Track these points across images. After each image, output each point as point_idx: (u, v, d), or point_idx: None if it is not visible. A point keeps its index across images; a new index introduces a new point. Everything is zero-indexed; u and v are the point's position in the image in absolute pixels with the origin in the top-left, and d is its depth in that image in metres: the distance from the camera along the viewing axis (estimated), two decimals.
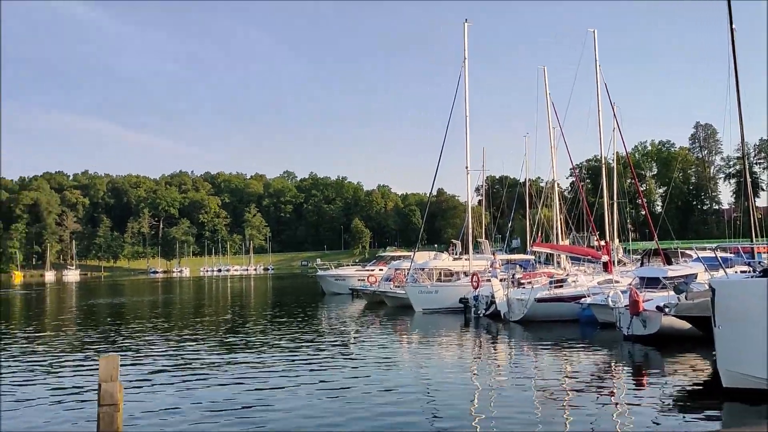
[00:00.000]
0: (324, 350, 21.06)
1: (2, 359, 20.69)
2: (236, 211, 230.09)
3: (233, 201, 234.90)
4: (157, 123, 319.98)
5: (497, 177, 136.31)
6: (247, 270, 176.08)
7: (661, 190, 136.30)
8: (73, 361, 20.14)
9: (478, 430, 11.38)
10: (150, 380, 16.31)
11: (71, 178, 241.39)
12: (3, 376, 17.56)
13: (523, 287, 30.94)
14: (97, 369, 7.72)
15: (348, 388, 14.87)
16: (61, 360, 20.39)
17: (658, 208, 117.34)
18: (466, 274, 36.38)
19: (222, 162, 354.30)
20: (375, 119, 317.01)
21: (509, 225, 68.67)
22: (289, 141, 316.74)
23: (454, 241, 56.53)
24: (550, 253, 42.91)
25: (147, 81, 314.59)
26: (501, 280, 31.56)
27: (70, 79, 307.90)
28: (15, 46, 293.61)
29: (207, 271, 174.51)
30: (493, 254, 42.35)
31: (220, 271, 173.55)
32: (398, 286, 39.36)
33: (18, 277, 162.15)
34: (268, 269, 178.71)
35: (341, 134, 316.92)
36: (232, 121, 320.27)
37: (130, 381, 15.71)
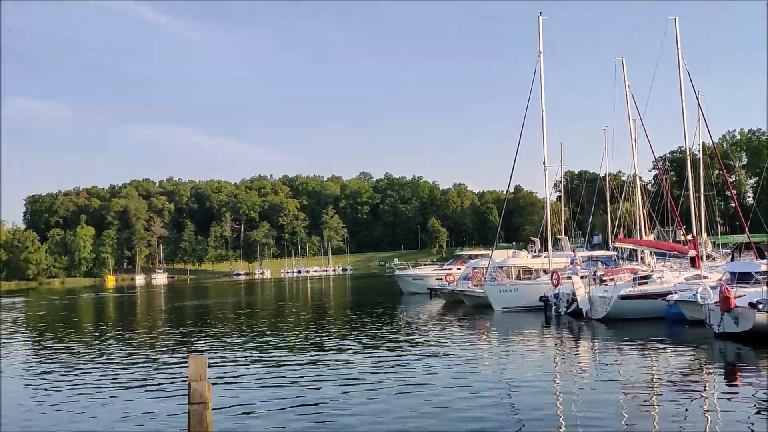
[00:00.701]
0: (403, 350, 21.11)
1: (100, 359, 21.74)
2: (314, 213, 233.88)
3: (311, 203, 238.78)
4: (237, 129, 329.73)
5: (576, 172, 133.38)
6: (326, 271, 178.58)
7: (752, 181, 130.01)
8: (164, 360, 20.94)
9: (562, 430, 11.11)
10: (236, 379, 16.78)
11: (157, 185, 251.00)
12: (101, 374, 18.46)
13: (606, 284, 30.11)
14: (187, 368, 8.06)
15: (427, 388, 14.77)
16: (152, 359, 21.24)
17: (749, 200, 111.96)
18: (545, 271, 35.75)
19: (299, 165, 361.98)
20: (449, 118, 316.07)
21: (589, 221, 67.05)
22: (364, 142, 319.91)
23: (532, 238, 55.70)
24: (634, 249, 41.61)
25: (225, 88, 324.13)
26: (582, 278, 30.85)
27: (154, 90, 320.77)
28: (103, 59, 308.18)
29: (287, 272, 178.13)
30: (574, 251, 41.45)
31: (299, 272, 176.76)
32: (477, 285, 39.05)
33: (111, 280, 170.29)
34: (347, 270, 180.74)
35: (416, 134, 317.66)
36: (309, 125, 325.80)
37: (218, 380, 16.19)
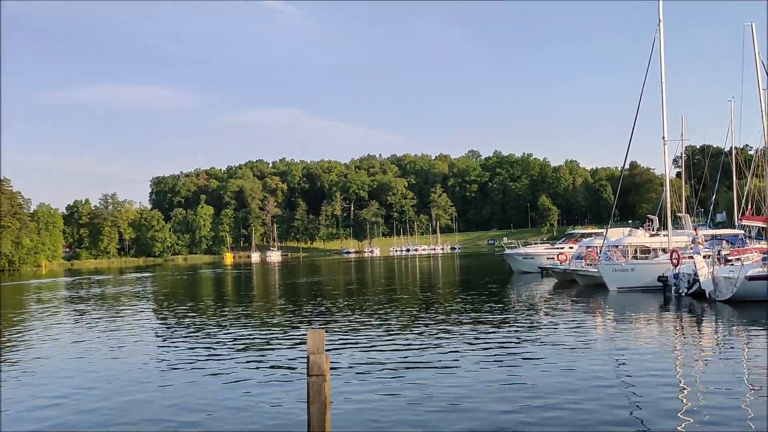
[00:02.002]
0: (514, 330, 20.84)
1: (221, 331, 22.89)
2: (422, 191, 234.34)
3: (419, 182, 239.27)
4: (346, 110, 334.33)
5: (698, 147, 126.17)
6: (435, 249, 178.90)
7: None
8: (281, 333, 21.76)
9: (684, 426, 10.28)
10: (348, 353, 17.19)
11: (271, 165, 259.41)
12: (220, 346, 19.43)
13: (731, 264, 28.47)
14: (304, 342, 8.34)
15: (536, 373, 14.40)
16: (270, 332, 22.12)
17: None
18: (664, 251, 34.24)
19: (407, 144, 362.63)
20: (561, 93, 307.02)
21: (712, 198, 63.35)
22: (472, 120, 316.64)
23: (650, 216, 53.32)
24: (763, 227, 39.07)
25: (333, 70, 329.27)
26: (705, 257, 29.30)
27: (266, 74, 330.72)
28: (221, 48, 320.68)
29: (396, 250, 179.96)
30: (695, 229, 39.40)
31: (408, 250, 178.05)
32: (590, 264, 37.99)
33: (229, 258, 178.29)
34: (455, 248, 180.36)
35: (526, 111, 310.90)
36: (416, 104, 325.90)
37: (332, 352, 16.64)
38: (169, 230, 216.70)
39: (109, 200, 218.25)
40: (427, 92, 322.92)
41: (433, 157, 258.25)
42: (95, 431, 10.86)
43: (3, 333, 25.50)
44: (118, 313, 32.33)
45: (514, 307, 27.59)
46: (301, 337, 20.17)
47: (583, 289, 35.46)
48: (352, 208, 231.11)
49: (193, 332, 23.12)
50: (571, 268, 40.51)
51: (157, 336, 22.94)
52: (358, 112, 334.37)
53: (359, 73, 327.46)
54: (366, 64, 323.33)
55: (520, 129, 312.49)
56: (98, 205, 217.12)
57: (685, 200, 54.03)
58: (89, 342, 21.65)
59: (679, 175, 68.24)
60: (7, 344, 22.19)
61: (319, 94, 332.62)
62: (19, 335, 24.74)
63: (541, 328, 21.19)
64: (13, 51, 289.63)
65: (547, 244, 61.97)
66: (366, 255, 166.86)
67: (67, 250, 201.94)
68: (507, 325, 21.97)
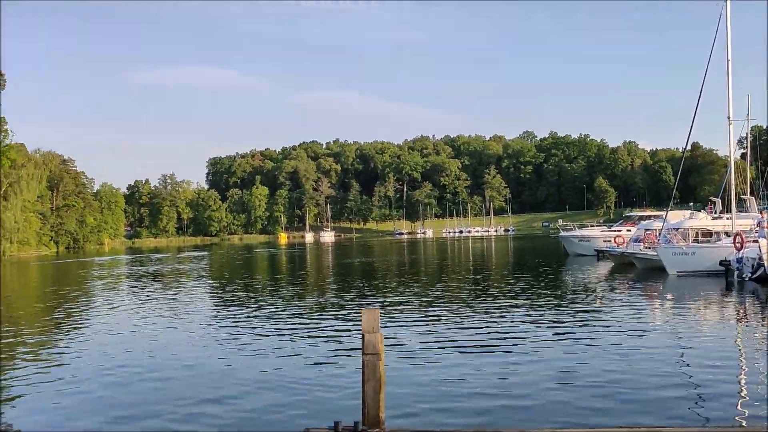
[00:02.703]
0: (569, 314, 20.52)
1: (275, 309, 23.25)
2: (476, 173, 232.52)
3: (473, 163, 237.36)
4: (399, 91, 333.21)
5: (764, 127, 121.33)
6: (488, 231, 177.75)
7: None
8: (336, 312, 21.97)
9: (746, 417, 9.87)
10: (402, 332, 17.23)
11: (324, 146, 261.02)
12: (274, 323, 19.74)
13: None
14: (358, 320, 8.38)
15: (595, 356, 14.17)
16: (324, 311, 22.36)
17: None
18: (727, 234, 33.19)
19: (461, 125, 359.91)
20: (618, 72, 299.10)
21: None
22: (528, 101, 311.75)
23: (712, 198, 51.67)
24: None
25: (386, 50, 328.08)
26: None
27: (323, 56, 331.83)
28: (276, 28, 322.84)
29: (448, 232, 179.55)
30: (761, 212, 38.02)
31: (461, 232, 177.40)
32: (649, 247, 37.10)
33: (283, 237, 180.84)
34: (509, 230, 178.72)
35: (582, 91, 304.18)
36: (471, 85, 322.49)
37: (386, 330, 16.68)
38: (226, 210, 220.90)
39: (168, 180, 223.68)
40: (481, 72, 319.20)
41: (487, 138, 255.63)
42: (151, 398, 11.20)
43: (71, 307, 26.47)
44: (176, 289, 33.17)
45: (569, 291, 27.19)
46: (355, 316, 20.33)
47: (641, 272, 34.71)
48: (405, 189, 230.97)
49: (249, 310, 23.53)
50: (628, 251, 39.70)
51: (214, 313, 23.45)
52: (412, 93, 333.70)
53: (414, 53, 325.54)
54: (421, 44, 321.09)
55: (577, 110, 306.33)
56: (158, 185, 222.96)
57: (750, 182, 52.15)
58: (149, 317, 22.28)
59: (743, 156, 65.72)
60: (76, 316, 23.03)
61: (374, 75, 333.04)
62: (85, 309, 25.65)
63: (597, 312, 20.82)
64: (73, 33, 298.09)
65: (604, 227, 60.84)
66: (418, 236, 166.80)
67: (129, 228, 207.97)
68: (562, 308, 21.67)
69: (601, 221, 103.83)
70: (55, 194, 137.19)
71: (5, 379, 13.53)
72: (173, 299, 28.43)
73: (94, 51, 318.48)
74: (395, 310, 22.02)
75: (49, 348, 17.19)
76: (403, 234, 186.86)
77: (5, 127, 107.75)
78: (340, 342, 16.36)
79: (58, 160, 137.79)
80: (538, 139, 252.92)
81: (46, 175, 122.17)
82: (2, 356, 16.08)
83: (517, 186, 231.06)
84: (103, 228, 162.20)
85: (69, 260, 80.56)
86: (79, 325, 21.24)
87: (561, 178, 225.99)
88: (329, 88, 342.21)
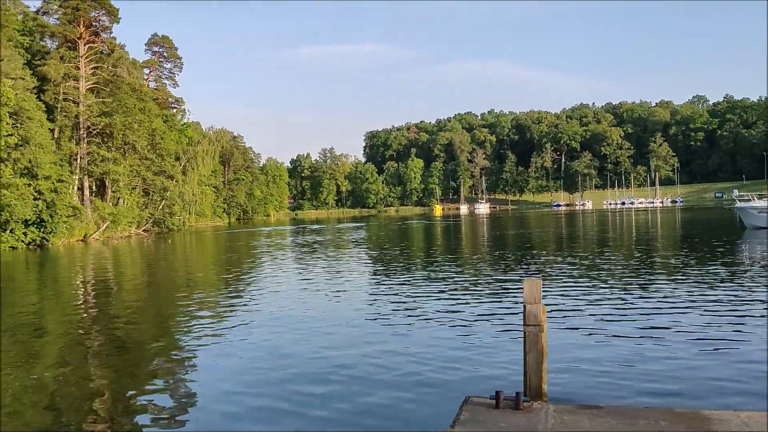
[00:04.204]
0: (745, 293, 19.02)
1: (432, 278, 23.58)
2: (640, 141, 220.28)
3: (636, 131, 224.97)
4: (557, 59, 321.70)
5: None
6: (653, 203, 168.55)
7: None
8: (493, 282, 21.90)
9: None
10: (563, 304, 16.85)
11: (479, 117, 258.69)
12: (432, 292, 20.03)
13: None
14: (515, 291, 8.34)
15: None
16: (482, 281, 22.36)
17: None
18: None
19: (624, 91, 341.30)
20: None
21: None
22: (699, 62, 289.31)
23: None
24: None
25: (542, 18, 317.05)
26: None
27: (476, 25, 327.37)
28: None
29: (609, 204, 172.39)
30: None
31: (623, 203, 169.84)
32: None
33: (438, 209, 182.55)
34: (676, 201, 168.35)
35: (762, 47, 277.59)
36: (633, 49, 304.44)
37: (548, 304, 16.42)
38: (382, 182, 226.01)
39: (328, 154, 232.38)
40: (642, 33, 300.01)
41: (653, 104, 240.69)
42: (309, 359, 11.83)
43: (245, 271, 28.49)
44: (337, 258, 34.62)
45: (745, 267, 25.16)
46: (511, 287, 20.16)
47: None
48: (563, 160, 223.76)
49: (407, 280, 24.04)
50: None
51: (372, 283, 24.19)
52: (570, 60, 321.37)
53: (571, 18, 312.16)
54: (578, 11, 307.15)
55: (756, 70, 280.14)
56: (318, 159, 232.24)
57: None
58: (313, 283, 23.44)
59: None
60: (248, 280, 24.79)
61: (529, 43, 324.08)
62: (256, 274, 27.52)
63: None
64: (241, 14, 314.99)
65: None
66: (577, 208, 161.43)
67: (292, 201, 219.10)
68: (736, 286, 20.13)
69: None
70: (226, 169, 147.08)
71: (188, 343, 14.89)
72: (336, 270, 29.71)
73: (255, 30, 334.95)
74: (556, 281, 21.53)
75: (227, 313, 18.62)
76: (560, 206, 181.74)
77: (183, 107, 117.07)
78: (500, 312, 16.31)
79: (228, 137, 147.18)
80: (710, 103, 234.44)
81: (218, 151, 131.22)
82: (190, 315, 17.69)
83: (686, 154, 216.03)
84: (269, 200, 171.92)
85: (239, 230, 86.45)
86: (253, 294, 22.77)
87: (737, 145, 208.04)
88: (483, 58, 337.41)
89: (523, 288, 8.28)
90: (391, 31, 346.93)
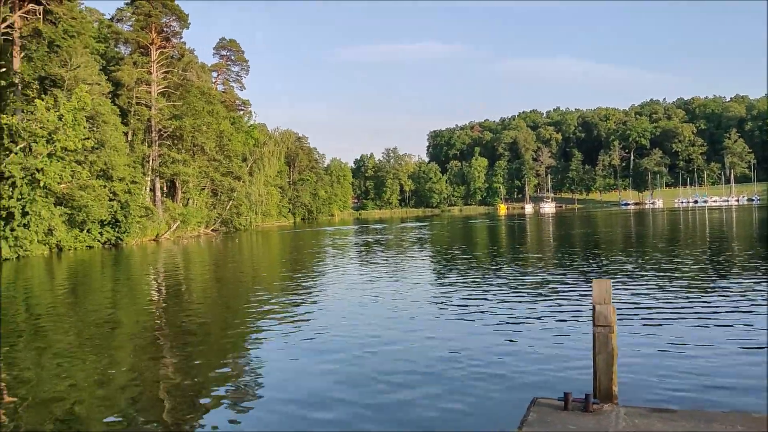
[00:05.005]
0: None
1: (500, 279, 23.35)
2: (713, 137, 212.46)
3: (710, 127, 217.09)
4: (625, 55, 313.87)
5: None
6: (728, 201, 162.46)
7: None
8: (562, 283, 21.53)
9: None
10: (634, 304, 16.42)
11: (544, 115, 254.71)
12: (500, 294, 19.83)
13: None
14: (585, 292, 8.16)
15: None
16: (550, 281, 22.02)
17: None
18: None
19: (695, 86, 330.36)
20: None
21: None
22: None
23: None
24: None
25: (610, 13, 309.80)
26: None
27: (540, 23, 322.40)
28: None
29: (681, 202, 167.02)
30: None
31: (696, 202, 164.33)
32: None
33: (502, 209, 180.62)
34: (753, 200, 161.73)
35: None
36: (706, 41, 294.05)
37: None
38: (446, 182, 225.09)
39: (391, 154, 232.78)
40: (715, 27, 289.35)
41: (728, 99, 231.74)
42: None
43: (310, 268, 28.89)
44: (401, 257, 34.69)
45: None
46: (584, 288, 19.78)
47: None
48: (632, 158, 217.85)
49: (472, 280, 23.90)
50: None
51: (437, 282, 24.15)
52: (639, 56, 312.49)
53: (639, 12, 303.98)
54: (646, 2, 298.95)
55: None
56: (382, 158, 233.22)
57: None
58: (376, 282, 23.56)
59: None
60: (315, 278, 25.13)
61: (596, 39, 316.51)
62: (321, 272, 27.86)
63: None
64: (305, 15, 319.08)
65: None
66: (647, 207, 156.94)
67: (356, 201, 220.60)
68: None
69: None
70: (291, 169, 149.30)
71: (259, 336, 15.20)
72: (402, 269, 29.80)
73: (319, 31, 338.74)
74: (625, 282, 21.01)
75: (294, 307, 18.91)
76: (629, 204, 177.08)
77: (249, 109, 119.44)
78: (569, 313, 16.03)
79: (293, 138, 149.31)
80: None
81: (284, 152, 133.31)
82: (258, 310, 18.06)
83: (763, 151, 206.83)
84: (333, 200, 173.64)
85: (305, 229, 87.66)
86: (318, 290, 23.06)
87: None
88: (547, 55, 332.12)
89: (592, 288, 8.13)
90: (454, 29, 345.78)
